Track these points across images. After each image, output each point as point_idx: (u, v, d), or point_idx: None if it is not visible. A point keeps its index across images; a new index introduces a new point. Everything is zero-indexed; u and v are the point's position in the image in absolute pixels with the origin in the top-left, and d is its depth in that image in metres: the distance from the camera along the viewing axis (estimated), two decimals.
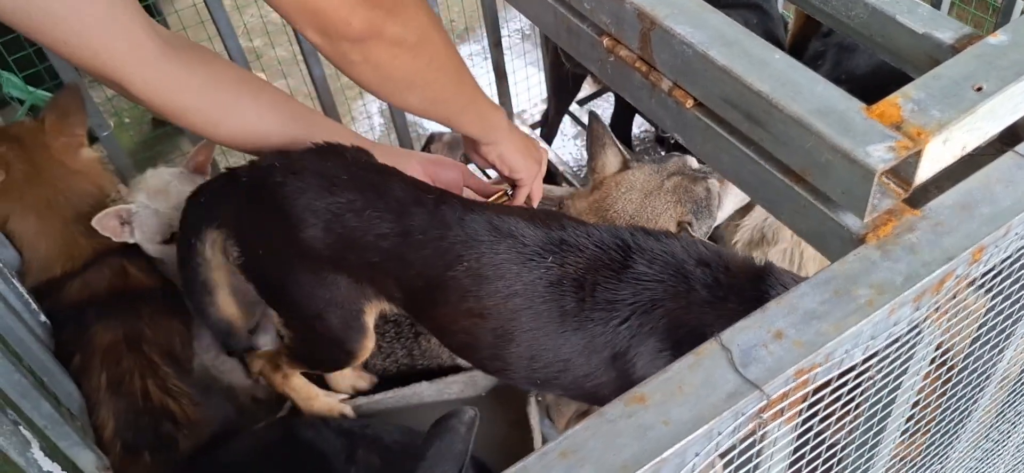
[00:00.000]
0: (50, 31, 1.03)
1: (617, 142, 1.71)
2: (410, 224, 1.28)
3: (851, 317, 0.60)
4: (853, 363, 0.62)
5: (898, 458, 0.83)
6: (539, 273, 1.25)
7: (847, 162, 0.61)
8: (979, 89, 0.62)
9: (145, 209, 1.75)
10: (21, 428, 1.24)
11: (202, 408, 1.75)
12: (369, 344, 1.46)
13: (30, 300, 1.69)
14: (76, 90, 1.89)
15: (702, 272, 1.20)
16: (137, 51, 1.11)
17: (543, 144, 1.67)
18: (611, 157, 1.78)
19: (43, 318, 1.72)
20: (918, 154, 0.61)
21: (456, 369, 1.87)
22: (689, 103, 0.74)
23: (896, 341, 0.64)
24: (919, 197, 0.66)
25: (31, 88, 2.16)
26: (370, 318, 1.42)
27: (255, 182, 1.36)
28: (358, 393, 1.84)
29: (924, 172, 0.63)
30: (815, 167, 0.64)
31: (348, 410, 1.77)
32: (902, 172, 0.64)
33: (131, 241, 1.75)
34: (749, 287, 1.16)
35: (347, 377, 1.81)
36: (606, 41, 0.81)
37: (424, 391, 1.84)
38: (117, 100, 3.01)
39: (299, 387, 1.68)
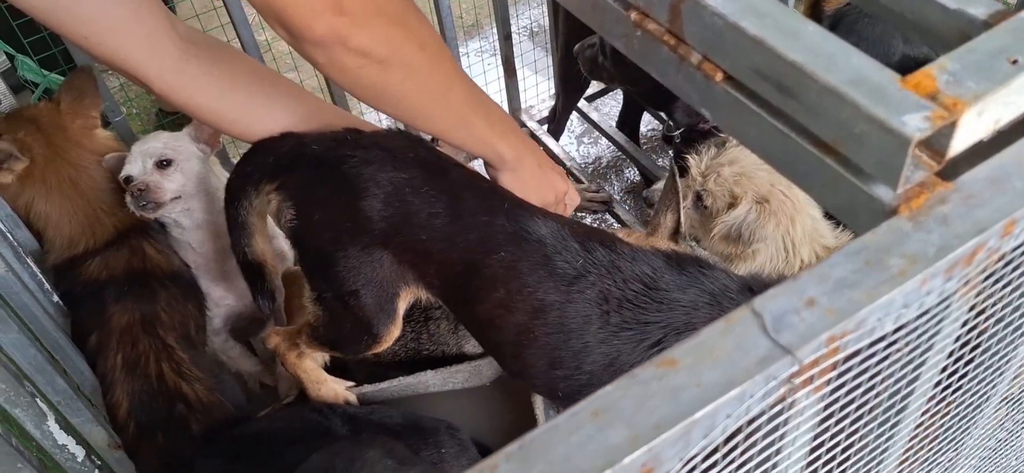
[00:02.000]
0: (74, 28, 1.05)
1: (681, 208, 1.67)
2: (462, 207, 1.33)
3: (883, 286, 0.60)
4: (883, 332, 0.62)
5: (916, 439, 0.83)
6: (569, 279, 1.27)
7: (882, 131, 0.61)
8: (1015, 62, 0.62)
9: (193, 157, 1.78)
10: (38, 401, 1.25)
11: (215, 392, 1.77)
12: (394, 332, 1.48)
13: (44, 281, 1.70)
14: (90, 72, 1.91)
15: (745, 298, 1.20)
16: (159, 51, 1.13)
17: (573, 190, 1.63)
18: (670, 220, 1.75)
19: (56, 299, 1.73)
20: (953, 125, 0.61)
21: (461, 358, 1.88)
22: (719, 76, 0.74)
23: (926, 313, 0.64)
24: (950, 171, 0.66)
25: (45, 72, 2.16)
26: (402, 304, 1.45)
27: (325, 150, 1.40)
28: (362, 380, 1.84)
29: (958, 144, 0.63)
30: (848, 138, 0.64)
31: (353, 398, 1.77)
32: (935, 144, 0.64)
33: (167, 192, 1.75)
34: None
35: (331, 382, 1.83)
36: (634, 16, 0.81)
37: (429, 380, 1.85)
38: (126, 89, 3.02)
39: (310, 369, 1.69)
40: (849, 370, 0.64)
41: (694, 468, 0.60)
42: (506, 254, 1.29)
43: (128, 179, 1.77)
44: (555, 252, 1.27)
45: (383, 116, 3.30)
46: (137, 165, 1.76)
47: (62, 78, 2.12)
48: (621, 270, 1.25)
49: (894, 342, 0.65)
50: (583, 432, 0.57)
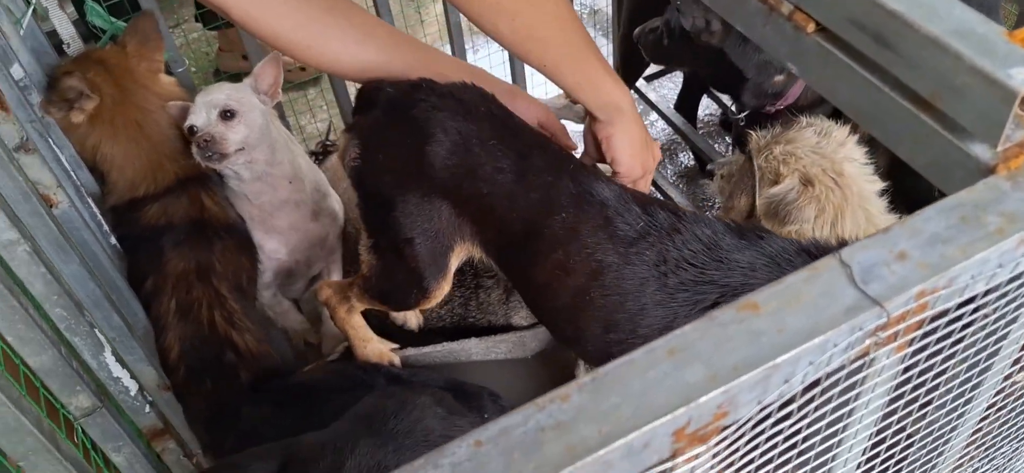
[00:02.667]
0: None
1: (758, 189, 1.62)
2: (528, 164, 1.31)
3: (979, 243, 0.58)
4: (974, 292, 0.60)
5: (990, 416, 0.80)
6: (630, 240, 1.26)
7: (986, 84, 0.59)
8: None
9: (255, 108, 1.80)
10: (96, 331, 1.27)
11: (264, 343, 1.78)
12: (444, 287, 1.47)
13: (103, 222, 1.73)
14: (152, 16, 1.93)
15: (803, 260, 1.18)
16: None
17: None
18: (744, 203, 1.72)
19: (114, 240, 1.76)
20: None
21: (507, 330, 1.87)
22: (810, 27, 0.72)
23: (1020, 276, 0.61)
24: None
25: (113, 18, 2.20)
26: (455, 260, 1.44)
27: (398, 93, 1.39)
28: (406, 344, 1.84)
29: None
30: (948, 91, 0.62)
31: (396, 360, 1.78)
32: None
33: (231, 143, 1.77)
34: None
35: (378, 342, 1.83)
36: None
37: (472, 348, 1.85)
38: (185, 49, 3.06)
39: (358, 326, 1.69)
40: (933, 331, 0.62)
41: (769, 416, 0.59)
42: (568, 215, 1.27)
43: (192, 129, 1.78)
44: (616, 214, 1.26)
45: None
46: (202, 116, 1.77)
47: None
48: (681, 232, 1.24)
49: (981, 306, 0.63)
50: (659, 368, 0.56)
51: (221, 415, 1.65)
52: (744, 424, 0.58)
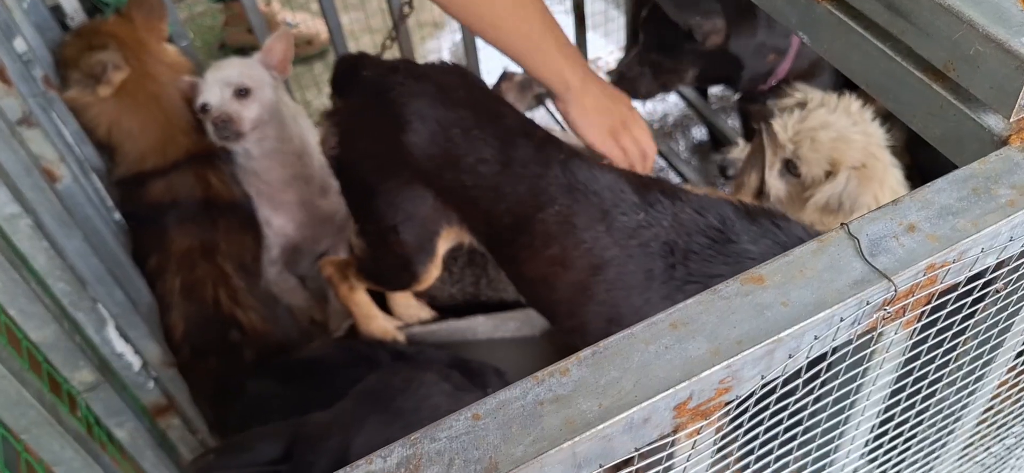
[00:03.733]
0: None
1: (766, 168, 1.60)
2: (513, 155, 1.26)
3: (990, 215, 0.56)
4: (984, 266, 0.58)
5: (1001, 394, 0.79)
6: (630, 231, 1.21)
7: (1000, 52, 0.57)
8: None
9: (267, 84, 1.79)
10: (99, 306, 1.26)
11: (269, 322, 1.78)
12: (434, 272, 1.45)
13: (107, 197, 1.72)
14: None
15: None
16: None
17: (642, 128, 1.52)
18: (755, 180, 1.70)
19: (117, 216, 1.75)
20: None
21: (515, 305, 1.85)
22: None
23: None
24: None
25: None
26: (443, 245, 1.41)
27: (376, 76, 1.36)
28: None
29: None
30: (961, 61, 0.60)
31: (401, 337, 1.77)
32: None
33: (247, 122, 1.75)
34: None
35: (412, 307, 1.81)
36: None
37: (479, 326, 1.84)
38: (189, 22, 3.04)
39: (362, 303, 1.68)
40: (943, 306, 0.60)
41: (774, 391, 0.57)
42: (560, 208, 1.22)
43: (205, 107, 1.76)
44: (613, 205, 1.21)
45: (447, 58, 3.28)
46: (215, 93, 1.75)
47: None
48: (684, 223, 1.20)
49: (992, 281, 0.62)
50: (661, 342, 0.55)
51: (226, 392, 1.65)
52: (748, 399, 0.57)
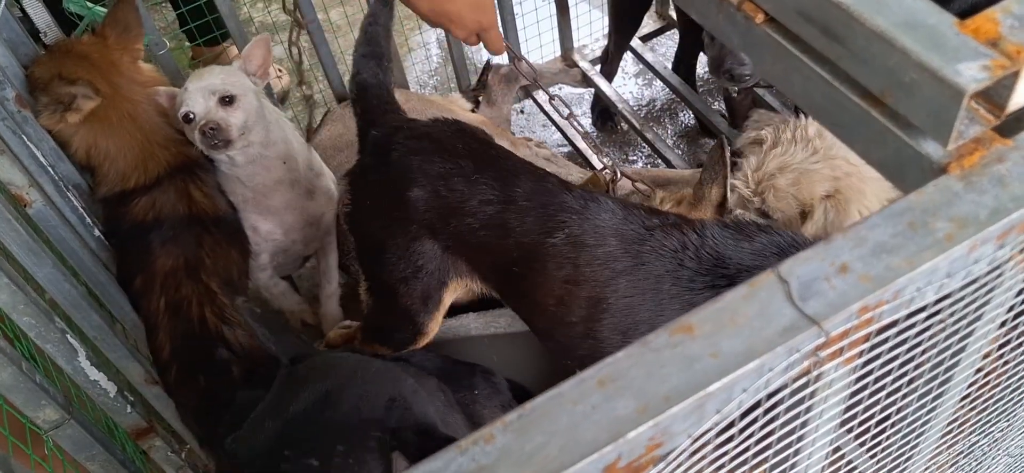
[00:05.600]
0: None
1: (729, 183, 1.59)
2: (515, 191, 1.31)
3: (926, 251, 0.54)
4: (923, 303, 0.57)
5: (957, 423, 0.78)
6: (642, 242, 1.26)
7: (934, 81, 0.55)
8: None
9: (249, 90, 1.78)
10: (69, 336, 1.25)
11: (256, 338, 1.77)
12: (437, 325, 1.51)
13: (86, 215, 1.71)
14: (132, 3, 1.89)
15: None
16: None
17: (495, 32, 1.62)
18: (716, 194, 1.68)
19: (98, 233, 1.74)
20: (1015, 75, 0.55)
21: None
22: (759, 17, 0.68)
23: (974, 282, 0.58)
24: (1011, 127, 0.59)
25: (90, 4, 2.16)
26: (449, 297, 1.46)
27: (382, 137, 1.42)
28: None
29: (1021, 97, 0.56)
30: (897, 88, 0.58)
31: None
32: (995, 96, 0.57)
33: (235, 129, 1.75)
34: None
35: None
36: None
37: (470, 324, 1.83)
38: (165, 31, 3.02)
39: None
40: (885, 341, 0.59)
41: (707, 444, 0.56)
42: (569, 231, 1.27)
43: (189, 117, 1.74)
44: (623, 220, 1.26)
45: (434, 51, 3.26)
46: (199, 102, 1.73)
47: (106, 12, 2.11)
48: (690, 257, 1.23)
49: (936, 313, 0.60)
50: (588, 401, 0.53)
51: (216, 410, 1.65)
52: (683, 452, 0.55)
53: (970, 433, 0.87)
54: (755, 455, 0.62)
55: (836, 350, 0.55)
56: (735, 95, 2.14)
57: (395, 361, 1.63)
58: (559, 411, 0.53)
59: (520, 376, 1.80)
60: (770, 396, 0.57)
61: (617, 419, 0.52)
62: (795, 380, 0.56)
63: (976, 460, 0.95)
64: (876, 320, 0.55)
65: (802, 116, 1.61)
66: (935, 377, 0.69)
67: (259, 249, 2.02)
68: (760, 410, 0.58)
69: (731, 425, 0.56)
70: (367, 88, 1.51)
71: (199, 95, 1.75)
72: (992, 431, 0.92)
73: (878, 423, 0.70)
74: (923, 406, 0.73)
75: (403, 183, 1.34)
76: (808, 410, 0.62)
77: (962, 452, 0.89)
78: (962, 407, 0.80)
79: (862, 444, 0.71)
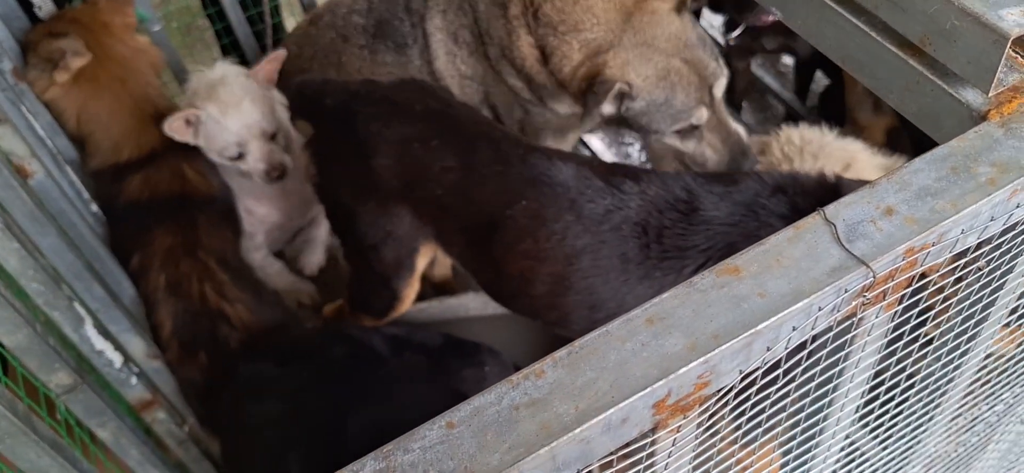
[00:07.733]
0: None
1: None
2: (474, 159, 1.29)
3: (970, 195, 0.55)
4: (966, 246, 0.57)
5: (993, 357, 0.78)
6: (600, 216, 1.22)
7: (977, 26, 0.56)
8: None
9: (213, 122, 1.75)
10: (76, 304, 1.24)
11: (256, 312, 1.76)
12: (413, 290, 1.50)
13: (83, 190, 1.69)
14: None
15: (777, 201, 1.15)
16: None
17: None
18: None
19: (95, 208, 1.72)
20: None
21: None
22: None
23: (1013, 228, 0.59)
24: None
25: None
26: (421, 261, 1.45)
27: (338, 105, 1.40)
28: None
29: None
30: (937, 35, 0.59)
31: None
32: None
33: (289, 161, 1.77)
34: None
35: None
36: None
37: (469, 303, 1.83)
38: (160, 6, 2.98)
39: None
40: (923, 288, 0.59)
41: (754, 383, 0.56)
42: (527, 203, 1.24)
43: (242, 156, 1.77)
44: (579, 193, 1.22)
45: None
46: (256, 147, 1.75)
47: None
48: (652, 200, 1.21)
49: (974, 259, 0.61)
50: (637, 339, 0.53)
51: (217, 386, 1.64)
52: (729, 391, 0.56)
53: (992, 398, 0.88)
54: (794, 401, 0.62)
55: (880, 293, 0.56)
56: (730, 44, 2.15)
57: (393, 341, 1.63)
58: (608, 348, 0.53)
59: (517, 356, 1.80)
60: (812, 341, 0.58)
61: (666, 356, 0.53)
62: (841, 321, 0.56)
63: (990, 426, 0.96)
64: (920, 263, 0.56)
65: (783, 127, 1.60)
66: (971, 318, 0.69)
67: (254, 230, 2.01)
68: (803, 354, 0.58)
69: (775, 366, 0.57)
70: (303, 84, 1.54)
71: (249, 137, 1.76)
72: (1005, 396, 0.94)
73: (908, 376, 0.70)
74: (956, 349, 0.73)
75: (367, 150, 1.33)
76: (846, 358, 0.62)
77: (977, 418, 0.90)
78: (984, 365, 0.81)
79: (891, 397, 0.72)
